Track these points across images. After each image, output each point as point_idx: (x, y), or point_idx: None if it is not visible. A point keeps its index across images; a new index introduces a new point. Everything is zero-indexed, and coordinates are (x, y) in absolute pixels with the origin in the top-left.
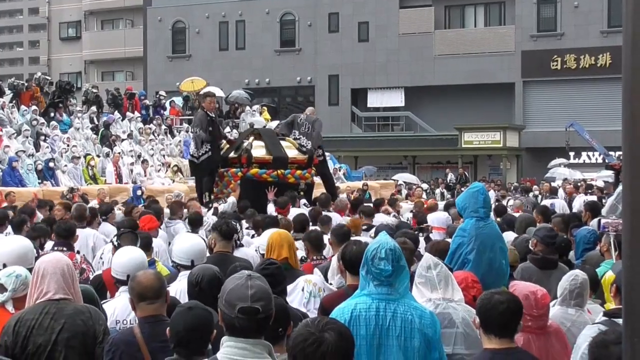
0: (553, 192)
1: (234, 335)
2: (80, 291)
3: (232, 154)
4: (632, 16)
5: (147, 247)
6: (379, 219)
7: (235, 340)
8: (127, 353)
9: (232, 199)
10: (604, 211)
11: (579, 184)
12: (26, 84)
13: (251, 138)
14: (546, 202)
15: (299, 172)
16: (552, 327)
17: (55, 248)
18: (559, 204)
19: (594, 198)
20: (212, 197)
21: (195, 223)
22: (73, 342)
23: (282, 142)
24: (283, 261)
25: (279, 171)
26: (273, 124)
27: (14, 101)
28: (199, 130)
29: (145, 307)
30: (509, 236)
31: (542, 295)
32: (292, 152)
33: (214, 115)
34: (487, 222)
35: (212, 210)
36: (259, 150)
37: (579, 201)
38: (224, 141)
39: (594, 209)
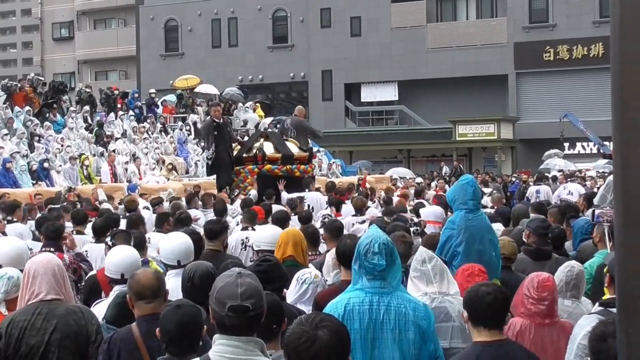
0: (539, 179)
1: (225, 333)
2: (71, 291)
3: (245, 154)
4: (619, 1)
5: (141, 246)
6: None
7: (227, 338)
8: (125, 351)
9: (253, 192)
10: (595, 201)
11: (574, 175)
12: (19, 85)
13: (261, 139)
14: (532, 189)
15: (302, 167)
16: (560, 323)
17: (44, 249)
18: (544, 190)
19: (576, 185)
20: (235, 189)
21: (221, 212)
22: (66, 342)
23: (286, 142)
24: (289, 259)
25: (287, 166)
26: (267, 120)
27: (7, 102)
28: (204, 139)
29: (143, 306)
30: (495, 227)
31: (544, 278)
32: (295, 150)
33: (220, 121)
34: (476, 215)
35: (238, 202)
36: (269, 149)
37: (560, 188)
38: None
39: (590, 199)
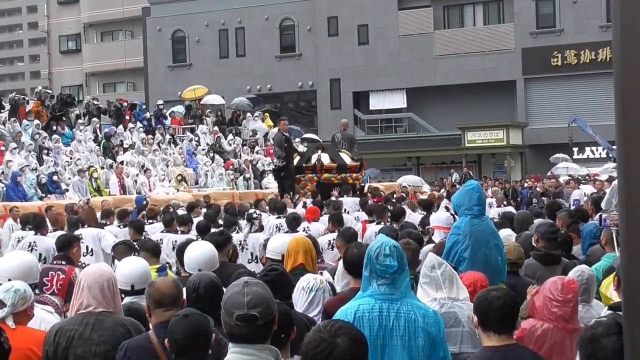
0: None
1: (237, 342)
2: (120, 304)
3: (304, 164)
4: (620, 8)
5: (155, 254)
6: None
7: (241, 346)
8: (143, 358)
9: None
10: (602, 205)
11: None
12: (26, 98)
13: (318, 151)
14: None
15: (354, 175)
16: (581, 330)
17: (55, 262)
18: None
19: (589, 187)
20: (296, 195)
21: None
22: (112, 354)
23: (340, 153)
24: (299, 267)
25: (342, 175)
26: (276, 130)
27: (14, 116)
28: (277, 149)
29: (161, 314)
30: (506, 232)
31: (568, 281)
32: (348, 160)
33: (288, 134)
34: (481, 220)
35: (301, 204)
36: (325, 159)
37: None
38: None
39: (597, 203)
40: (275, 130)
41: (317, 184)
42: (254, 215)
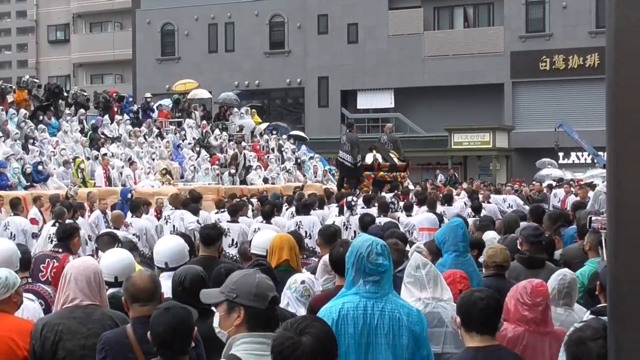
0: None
1: (259, 329)
2: (107, 298)
3: (364, 162)
4: (615, 10)
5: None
6: None
7: (252, 335)
8: (119, 353)
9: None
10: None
11: (570, 183)
12: (13, 87)
13: (373, 151)
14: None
15: (402, 174)
16: (554, 332)
17: (53, 250)
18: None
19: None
20: (356, 190)
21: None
22: None
23: (389, 153)
24: (284, 263)
25: (393, 173)
26: (263, 126)
27: (0, 104)
28: (356, 149)
29: (138, 309)
30: (490, 235)
31: (537, 284)
32: (395, 160)
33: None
34: (465, 258)
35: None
36: (380, 158)
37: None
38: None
39: (578, 209)
40: (263, 126)
41: (373, 180)
42: (352, 203)
